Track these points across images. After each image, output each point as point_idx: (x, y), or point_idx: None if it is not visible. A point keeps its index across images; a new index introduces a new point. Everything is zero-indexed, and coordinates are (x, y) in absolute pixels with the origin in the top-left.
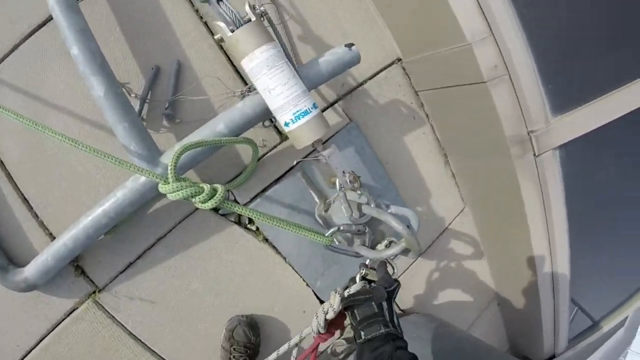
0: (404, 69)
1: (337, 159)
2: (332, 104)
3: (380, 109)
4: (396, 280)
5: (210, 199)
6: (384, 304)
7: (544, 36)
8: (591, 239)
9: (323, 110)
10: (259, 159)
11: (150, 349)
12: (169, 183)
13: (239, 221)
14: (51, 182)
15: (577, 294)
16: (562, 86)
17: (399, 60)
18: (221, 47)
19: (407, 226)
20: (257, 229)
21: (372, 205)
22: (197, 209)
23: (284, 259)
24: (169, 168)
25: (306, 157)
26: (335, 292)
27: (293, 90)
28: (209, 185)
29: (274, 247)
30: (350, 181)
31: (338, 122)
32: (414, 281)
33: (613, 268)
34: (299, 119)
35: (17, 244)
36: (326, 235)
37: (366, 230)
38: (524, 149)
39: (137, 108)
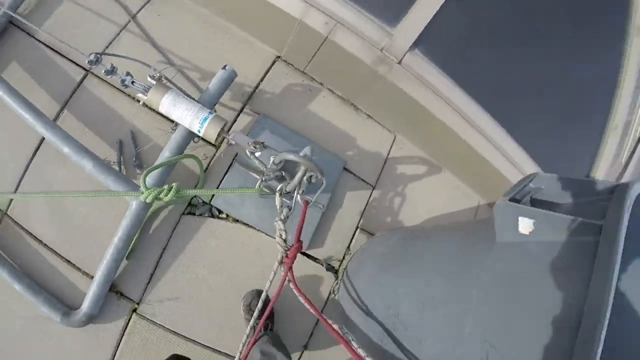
0: (285, 61)
1: (240, 137)
2: (241, 110)
3: (280, 96)
4: None
5: (170, 191)
6: None
7: None
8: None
9: (236, 118)
10: (206, 168)
11: (189, 338)
12: (143, 192)
13: (212, 215)
14: (77, 239)
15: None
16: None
17: (278, 57)
18: (147, 106)
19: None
20: (227, 215)
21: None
22: (180, 218)
23: (253, 227)
24: (141, 184)
25: (235, 156)
26: (277, 221)
27: (193, 111)
28: (167, 185)
29: (242, 222)
30: (254, 146)
31: (251, 120)
32: (379, 211)
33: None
34: (203, 123)
35: (68, 294)
36: (256, 187)
37: (283, 174)
38: (387, 63)
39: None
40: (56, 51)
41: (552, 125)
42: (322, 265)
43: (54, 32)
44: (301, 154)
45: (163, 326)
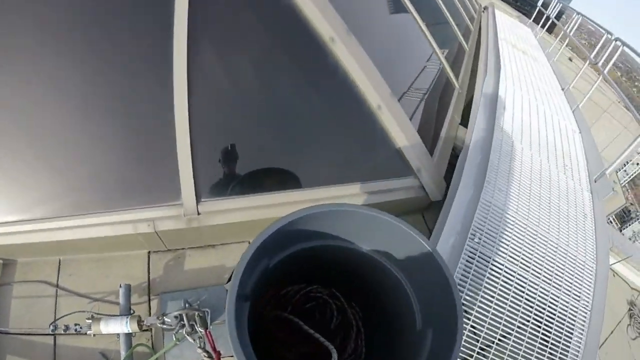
0: (154, 251)
1: (150, 319)
2: (149, 300)
3: (165, 274)
4: None
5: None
6: None
7: None
8: None
9: (149, 305)
10: (152, 343)
11: None
12: None
13: None
14: None
15: None
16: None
17: (149, 252)
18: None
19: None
20: None
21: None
22: None
23: None
24: None
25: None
26: (197, 349)
27: (118, 322)
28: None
29: None
30: (159, 320)
31: (157, 301)
32: None
33: None
34: (127, 325)
35: None
36: (174, 340)
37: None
38: (194, 219)
39: None
40: (29, 334)
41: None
42: None
43: (19, 324)
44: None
45: None
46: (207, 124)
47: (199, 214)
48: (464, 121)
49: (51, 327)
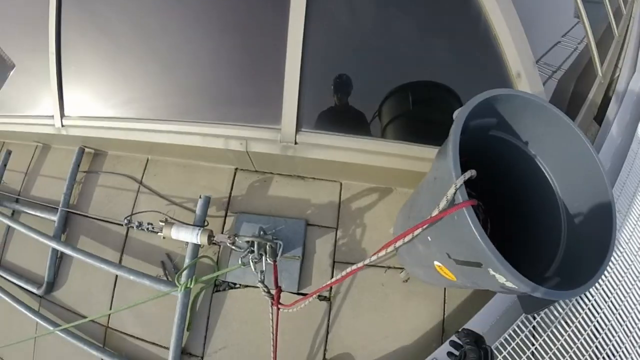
0: (241, 169)
1: (221, 237)
2: (225, 216)
3: (248, 194)
4: None
5: (192, 282)
6: None
7: None
8: None
9: (224, 222)
10: (217, 259)
11: None
12: (177, 287)
13: (230, 287)
14: (156, 326)
15: None
16: (264, 116)
17: (237, 169)
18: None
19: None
20: (239, 285)
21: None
22: (212, 296)
23: (255, 287)
24: (176, 282)
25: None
26: (257, 282)
27: (190, 232)
28: (189, 278)
29: (249, 286)
30: (229, 240)
31: (233, 220)
32: (347, 243)
33: None
34: (197, 236)
35: None
36: (239, 263)
37: (253, 249)
38: (289, 147)
39: (165, 278)
40: (105, 220)
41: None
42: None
43: (97, 210)
44: (254, 234)
45: None
46: (322, 53)
47: (296, 143)
48: (597, 117)
49: (126, 220)
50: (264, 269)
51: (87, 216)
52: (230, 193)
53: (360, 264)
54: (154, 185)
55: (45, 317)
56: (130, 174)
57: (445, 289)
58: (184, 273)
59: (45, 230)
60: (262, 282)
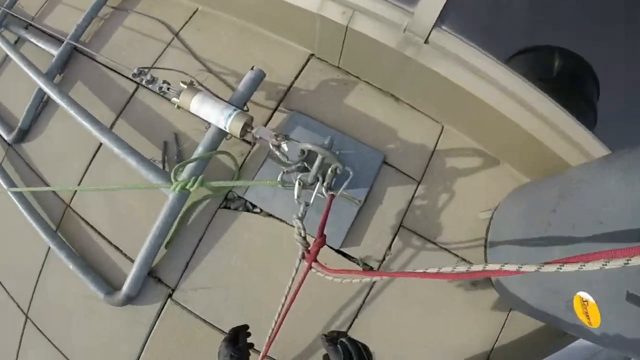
0: (318, 58)
1: (264, 130)
2: (275, 109)
3: (315, 92)
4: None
5: (195, 182)
6: None
7: None
8: None
9: (270, 116)
10: (241, 165)
11: (217, 327)
12: (172, 184)
13: (246, 209)
14: (125, 227)
15: None
16: None
17: (312, 55)
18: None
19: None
20: (261, 210)
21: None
22: (215, 212)
23: (285, 222)
24: (171, 175)
25: (269, 152)
26: (294, 219)
27: (219, 108)
28: (193, 177)
29: (274, 216)
30: (276, 139)
31: (285, 118)
32: (425, 208)
33: None
34: (228, 119)
35: (114, 276)
36: (278, 179)
37: (306, 166)
38: (413, 44)
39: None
40: (113, 70)
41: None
42: (359, 265)
43: (111, 54)
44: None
45: (194, 313)
46: None
47: (426, 41)
48: None
49: (136, 70)
50: (311, 201)
51: (93, 58)
52: (293, 82)
53: (448, 269)
54: (193, 42)
55: (3, 171)
56: (166, 21)
57: (509, 312)
58: (188, 167)
59: (44, 68)
60: (302, 219)
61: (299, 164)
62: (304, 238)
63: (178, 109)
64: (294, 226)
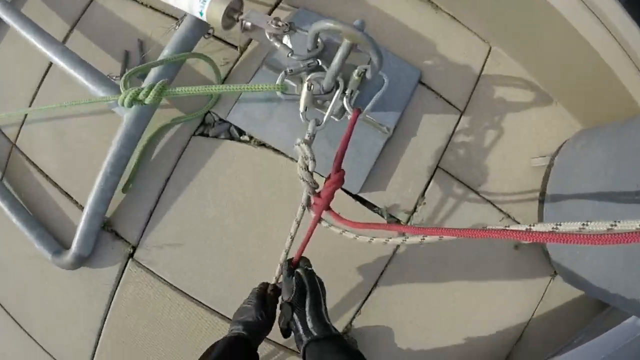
0: None
1: (257, 16)
2: (276, 5)
3: None
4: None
5: (151, 90)
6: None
7: None
8: None
9: (269, 14)
10: (226, 76)
11: (192, 297)
12: (120, 94)
13: (230, 137)
14: (77, 167)
15: None
16: None
17: None
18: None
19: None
20: (251, 138)
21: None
22: (188, 141)
23: (283, 153)
24: (120, 85)
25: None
26: (297, 144)
27: None
28: (149, 84)
29: (269, 146)
30: (275, 26)
31: (286, 17)
32: (469, 146)
33: None
34: (204, 3)
35: (66, 231)
36: (277, 82)
37: (320, 63)
38: None
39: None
40: None
41: None
42: (383, 217)
43: None
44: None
45: (162, 278)
46: None
47: None
48: None
49: None
50: (324, 119)
51: None
52: None
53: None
54: None
55: None
56: None
57: (549, 282)
58: (150, 77)
59: None
60: (309, 143)
61: (310, 61)
62: (311, 174)
63: (150, 11)
64: (296, 159)
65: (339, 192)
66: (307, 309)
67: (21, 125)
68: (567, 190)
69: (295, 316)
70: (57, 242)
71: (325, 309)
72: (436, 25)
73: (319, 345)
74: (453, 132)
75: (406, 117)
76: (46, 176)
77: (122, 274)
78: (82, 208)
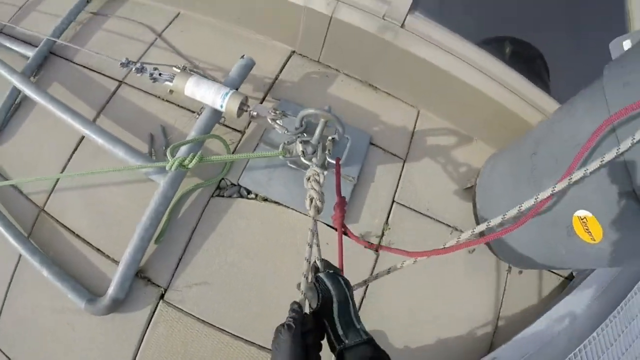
0: (299, 54)
1: (261, 107)
2: (263, 99)
3: (299, 84)
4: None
5: (194, 158)
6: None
7: None
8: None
9: (261, 101)
10: (233, 151)
11: (218, 327)
12: (169, 162)
13: (240, 195)
14: (112, 229)
15: None
16: None
17: (293, 52)
18: (173, 95)
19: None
20: (256, 195)
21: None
22: (208, 201)
23: (282, 205)
24: (167, 154)
25: (261, 137)
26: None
27: (214, 89)
28: (192, 153)
29: (271, 200)
30: (274, 113)
31: (272, 106)
32: (414, 183)
33: None
34: (224, 98)
35: (97, 282)
36: (278, 151)
37: (306, 136)
38: (391, 29)
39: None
40: (92, 69)
41: None
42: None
43: (90, 55)
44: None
45: (191, 314)
46: None
47: (402, 25)
48: None
49: (125, 60)
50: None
51: (71, 60)
52: (278, 76)
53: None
54: (177, 43)
55: None
56: (150, 25)
57: (507, 275)
58: (182, 149)
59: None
60: (319, 182)
61: (299, 134)
62: (321, 185)
63: (171, 93)
64: (292, 208)
65: (324, 227)
66: (335, 314)
67: (50, 194)
68: (488, 197)
69: (325, 322)
70: (89, 292)
71: (355, 311)
72: (377, 101)
73: (351, 352)
74: (400, 175)
75: (365, 169)
76: (76, 235)
77: (152, 315)
78: (112, 259)
